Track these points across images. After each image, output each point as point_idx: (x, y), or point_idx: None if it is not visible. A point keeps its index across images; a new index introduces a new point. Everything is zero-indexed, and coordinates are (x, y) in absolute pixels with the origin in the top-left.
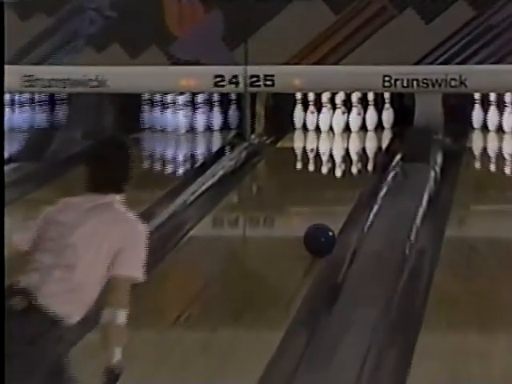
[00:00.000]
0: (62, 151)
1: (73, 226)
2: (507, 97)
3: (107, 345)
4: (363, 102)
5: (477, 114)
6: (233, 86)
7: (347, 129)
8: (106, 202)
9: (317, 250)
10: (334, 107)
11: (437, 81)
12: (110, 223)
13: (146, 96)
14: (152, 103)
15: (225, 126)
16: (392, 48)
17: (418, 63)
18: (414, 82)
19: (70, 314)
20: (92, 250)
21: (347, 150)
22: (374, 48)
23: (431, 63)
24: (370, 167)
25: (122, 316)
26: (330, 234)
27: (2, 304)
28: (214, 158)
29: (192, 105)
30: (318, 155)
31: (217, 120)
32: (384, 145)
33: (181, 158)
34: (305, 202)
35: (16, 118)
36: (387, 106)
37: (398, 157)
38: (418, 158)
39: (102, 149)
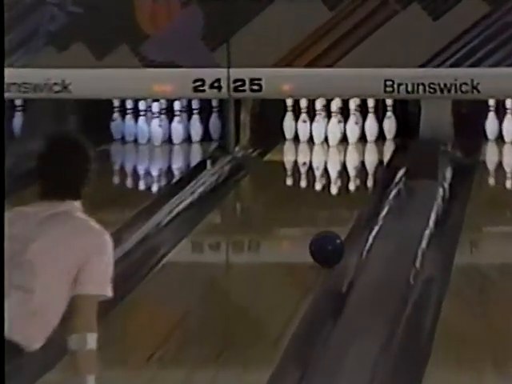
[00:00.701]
0: (17, 166)
1: (27, 240)
2: None
3: (76, 375)
4: (362, 109)
5: (491, 124)
6: (214, 91)
7: (344, 140)
8: (64, 211)
9: (324, 259)
10: (328, 115)
11: (445, 86)
12: (71, 234)
13: (116, 103)
14: (122, 111)
15: (205, 137)
16: (395, 48)
17: (424, 66)
18: (420, 87)
19: (30, 340)
20: (51, 266)
21: (344, 164)
22: (375, 48)
23: (439, 66)
24: (369, 183)
25: (91, 341)
26: (338, 241)
27: (2, 306)
28: (193, 173)
29: (168, 113)
30: (310, 170)
31: (196, 130)
32: (385, 158)
33: (155, 172)
34: (296, 222)
35: None
36: (389, 114)
37: (402, 172)
38: (424, 174)
39: (53, 148)
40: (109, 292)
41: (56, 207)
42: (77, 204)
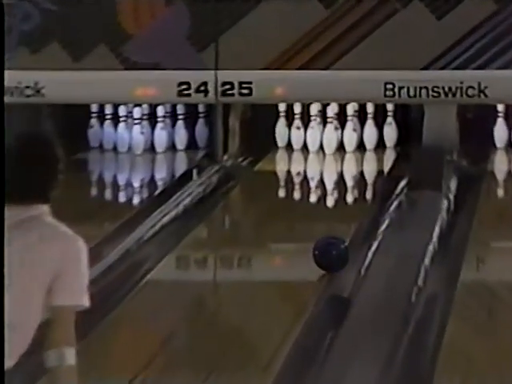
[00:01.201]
0: None
1: None
2: None
3: None
4: (360, 115)
5: (500, 130)
6: (201, 95)
7: (341, 148)
8: (33, 216)
9: (328, 265)
10: (324, 121)
11: (450, 89)
12: (42, 242)
13: (94, 108)
14: (101, 117)
15: (191, 145)
16: (395, 49)
17: (427, 68)
18: (423, 91)
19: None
20: (23, 277)
21: (341, 174)
22: (374, 49)
23: (443, 68)
24: (368, 195)
25: (70, 356)
26: (343, 246)
27: (2, 306)
28: (178, 183)
29: (151, 119)
30: (305, 180)
31: (181, 137)
32: (386, 168)
33: (136, 183)
34: (289, 237)
35: None
36: (389, 119)
37: (403, 182)
38: (428, 184)
39: (20, 147)
40: (86, 302)
41: (24, 212)
42: (46, 208)
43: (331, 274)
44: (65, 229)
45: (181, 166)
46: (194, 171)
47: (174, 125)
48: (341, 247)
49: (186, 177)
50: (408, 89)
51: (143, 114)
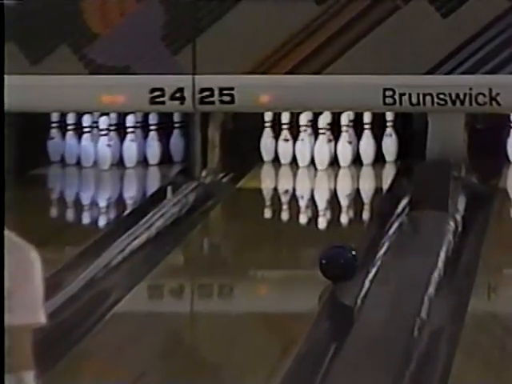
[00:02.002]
0: None
1: None
2: None
3: None
4: (356, 125)
5: None
6: (176, 103)
7: (334, 162)
8: None
9: (335, 275)
10: (316, 133)
11: (458, 96)
12: None
13: (54, 117)
14: (62, 127)
15: (165, 159)
16: (396, 51)
17: (431, 72)
18: (427, 99)
19: None
20: None
21: (334, 192)
22: (372, 51)
23: (450, 72)
24: (365, 216)
25: (29, 380)
26: (351, 255)
27: (2, 304)
28: (150, 202)
29: (119, 129)
30: (294, 199)
31: (154, 151)
32: (385, 185)
33: (103, 203)
34: (276, 263)
35: None
36: (389, 131)
37: (405, 202)
38: (432, 204)
39: None
40: (42, 318)
41: None
42: None
43: (332, 296)
44: (16, 238)
45: (153, 183)
46: (169, 189)
47: (145, 136)
48: (349, 255)
49: (160, 195)
50: (410, 96)
51: (110, 125)
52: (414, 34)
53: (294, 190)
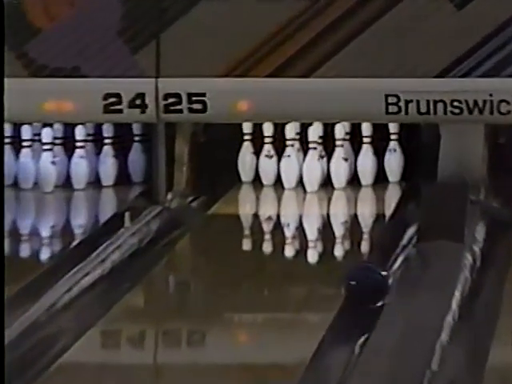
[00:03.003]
0: None
1: None
2: None
3: None
4: (354, 139)
5: None
6: (136, 111)
7: (327, 183)
8: None
9: (362, 298)
10: (305, 148)
11: (476, 104)
12: None
13: None
14: None
15: (122, 179)
16: (401, 50)
17: (443, 75)
18: (438, 107)
19: None
20: None
21: (328, 218)
22: (371, 50)
23: (466, 75)
24: (364, 247)
25: None
26: (381, 275)
27: (2, 305)
28: (104, 232)
29: (66, 144)
30: (278, 227)
31: (108, 169)
32: (388, 210)
33: (46, 231)
34: (255, 305)
35: None
36: (393, 145)
37: (412, 230)
38: (445, 233)
39: None
40: None
41: None
42: None
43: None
44: None
45: (107, 208)
46: (126, 215)
47: (98, 152)
48: (379, 276)
49: (115, 223)
50: (418, 103)
51: (55, 138)
52: (423, 29)
53: (278, 216)
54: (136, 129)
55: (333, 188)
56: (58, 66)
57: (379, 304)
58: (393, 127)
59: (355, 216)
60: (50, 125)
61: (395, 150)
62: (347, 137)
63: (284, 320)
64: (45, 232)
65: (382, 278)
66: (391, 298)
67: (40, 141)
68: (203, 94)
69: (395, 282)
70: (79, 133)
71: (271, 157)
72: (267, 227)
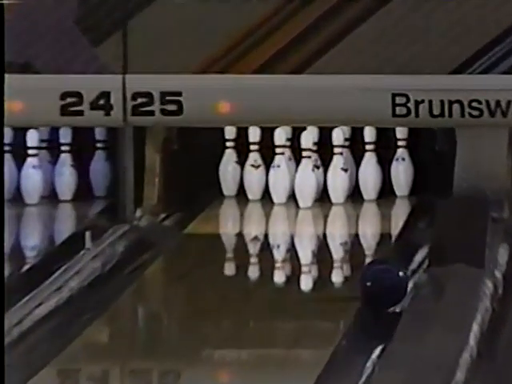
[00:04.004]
0: None
1: None
2: None
3: None
4: (354, 146)
5: None
6: (99, 113)
7: (324, 197)
8: None
9: (380, 299)
10: (297, 156)
11: (498, 105)
12: None
13: None
14: None
15: (83, 193)
16: (410, 42)
17: (459, 71)
18: (454, 108)
19: None
20: None
21: (324, 239)
22: (375, 42)
23: (486, 71)
24: None
25: None
26: (401, 274)
27: (2, 305)
28: (61, 254)
29: (17, 151)
30: (266, 249)
31: (66, 181)
32: (395, 229)
33: None
34: (238, 341)
35: None
36: (401, 153)
37: (423, 253)
38: (462, 256)
39: None
40: None
41: None
42: None
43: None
44: None
45: (65, 227)
46: (87, 235)
47: (54, 161)
48: (396, 276)
49: (74, 244)
50: (430, 104)
51: (5, 144)
52: (436, 19)
53: (266, 236)
54: (99, 134)
55: (330, 203)
56: (6, 60)
57: (397, 308)
58: (400, 132)
59: (356, 236)
60: None
61: (403, 159)
62: (347, 143)
63: (272, 358)
64: None
65: (400, 278)
66: (400, 330)
67: None
68: (178, 94)
69: (403, 312)
70: (31, 139)
71: (258, 167)
72: (253, 249)
